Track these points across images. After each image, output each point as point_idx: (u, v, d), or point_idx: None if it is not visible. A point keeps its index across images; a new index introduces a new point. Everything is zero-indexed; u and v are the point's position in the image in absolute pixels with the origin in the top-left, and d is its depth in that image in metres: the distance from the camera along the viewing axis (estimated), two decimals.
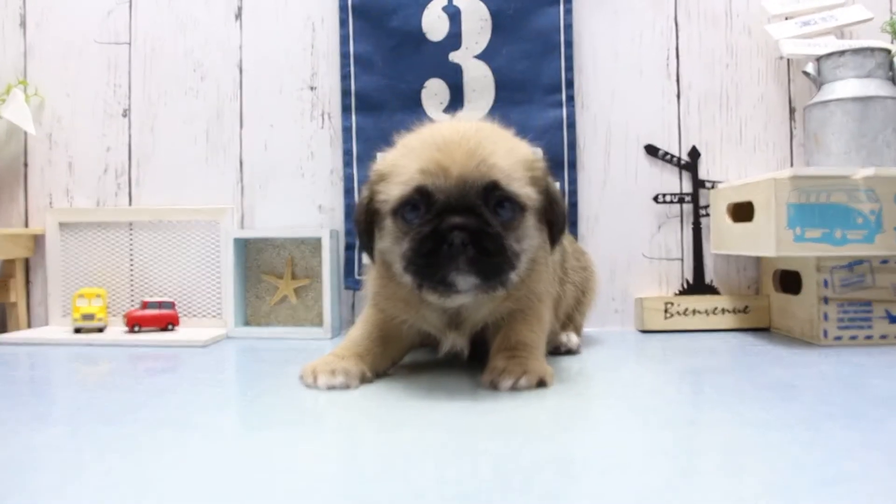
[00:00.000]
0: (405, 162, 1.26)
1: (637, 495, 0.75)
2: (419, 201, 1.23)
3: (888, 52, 1.87)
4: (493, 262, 1.22)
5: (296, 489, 0.77)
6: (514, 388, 1.26)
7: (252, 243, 2.16)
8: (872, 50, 1.86)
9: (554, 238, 1.37)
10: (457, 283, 1.22)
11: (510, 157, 1.27)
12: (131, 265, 2.18)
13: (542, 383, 1.29)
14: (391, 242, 1.30)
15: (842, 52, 1.88)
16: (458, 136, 1.26)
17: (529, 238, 1.30)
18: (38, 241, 2.22)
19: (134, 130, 2.22)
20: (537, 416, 1.11)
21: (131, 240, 2.18)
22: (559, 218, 1.35)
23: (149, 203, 2.21)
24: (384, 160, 1.33)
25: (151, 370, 1.55)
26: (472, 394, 1.26)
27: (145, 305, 2.02)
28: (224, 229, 2.12)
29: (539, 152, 2.07)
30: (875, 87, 1.84)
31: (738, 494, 0.75)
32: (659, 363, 1.62)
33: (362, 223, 1.36)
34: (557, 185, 1.43)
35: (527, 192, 1.26)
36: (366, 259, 1.53)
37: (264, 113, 2.20)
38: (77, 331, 2.00)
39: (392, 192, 1.26)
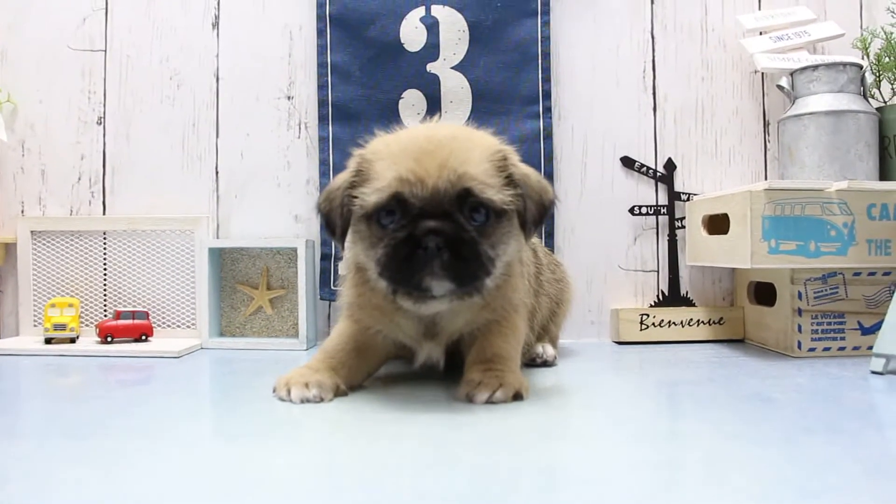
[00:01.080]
0: (381, 168, 1.26)
1: None
2: (395, 207, 1.23)
3: (860, 67, 1.90)
4: (468, 267, 1.22)
5: (270, 502, 0.76)
6: (490, 402, 1.26)
7: (227, 253, 2.14)
8: (845, 65, 1.88)
9: (526, 224, 1.32)
10: (432, 288, 1.22)
11: (483, 162, 1.26)
12: (105, 274, 2.15)
13: (518, 396, 1.28)
14: (366, 247, 1.30)
15: (815, 67, 1.90)
16: (432, 145, 1.25)
17: (504, 244, 1.29)
18: (9, 249, 2.19)
19: (109, 138, 2.20)
20: (516, 428, 1.10)
21: (105, 249, 2.15)
22: (529, 212, 1.31)
23: (123, 212, 2.18)
24: (362, 160, 1.30)
25: (124, 381, 1.53)
26: (448, 407, 1.25)
27: (118, 315, 2.00)
28: (199, 239, 2.10)
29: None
30: (847, 101, 1.86)
31: None
32: (636, 375, 1.62)
33: (338, 207, 1.32)
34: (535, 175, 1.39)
35: (501, 198, 1.25)
36: (342, 269, 1.52)
37: (241, 122, 2.19)
38: (48, 341, 1.97)
39: (368, 198, 1.25)
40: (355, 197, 1.28)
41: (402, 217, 1.23)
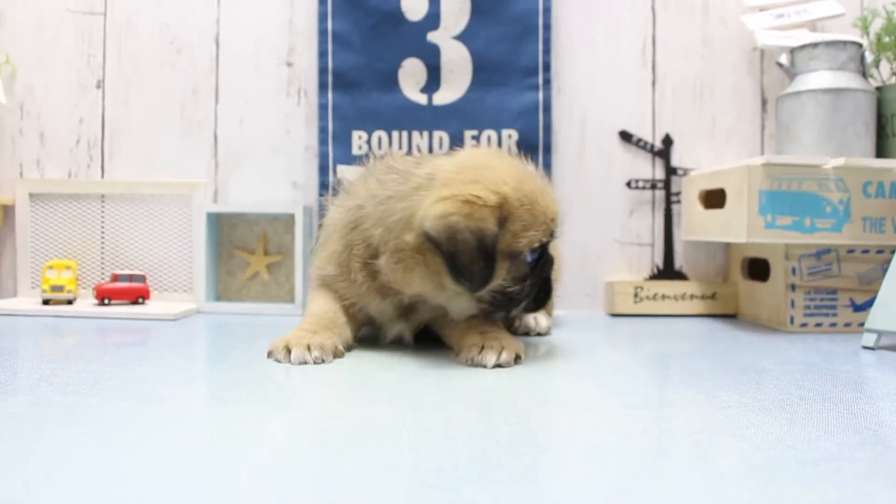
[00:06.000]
0: (532, 213, 1.29)
1: (618, 473, 0.75)
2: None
3: (860, 46, 1.90)
4: None
5: (265, 466, 0.76)
6: (497, 365, 1.28)
7: (225, 218, 2.15)
8: (845, 43, 1.89)
9: None
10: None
11: None
12: (102, 238, 2.16)
13: (518, 358, 1.32)
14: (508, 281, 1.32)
15: (815, 45, 1.90)
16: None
17: None
18: (7, 211, 2.19)
19: (108, 102, 2.19)
20: (512, 394, 1.11)
21: (103, 212, 2.16)
22: None
23: (121, 176, 2.18)
24: (500, 203, 1.26)
25: (119, 343, 1.54)
26: (444, 370, 1.27)
27: (116, 278, 2.00)
28: (197, 204, 2.10)
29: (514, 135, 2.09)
30: (847, 79, 1.87)
31: (718, 473, 0.75)
32: (630, 346, 1.64)
33: (489, 249, 1.24)
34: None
35: None
36: (322, 240, 1.52)
37: (240, 88, 2.18)
38: (45, 302, 1.97)
39: (528, 237, 1.29)
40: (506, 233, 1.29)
41: (541, 255, 1.36)
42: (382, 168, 1.43)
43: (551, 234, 1.35)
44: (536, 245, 1.31)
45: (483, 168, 1.30)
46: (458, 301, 1.35)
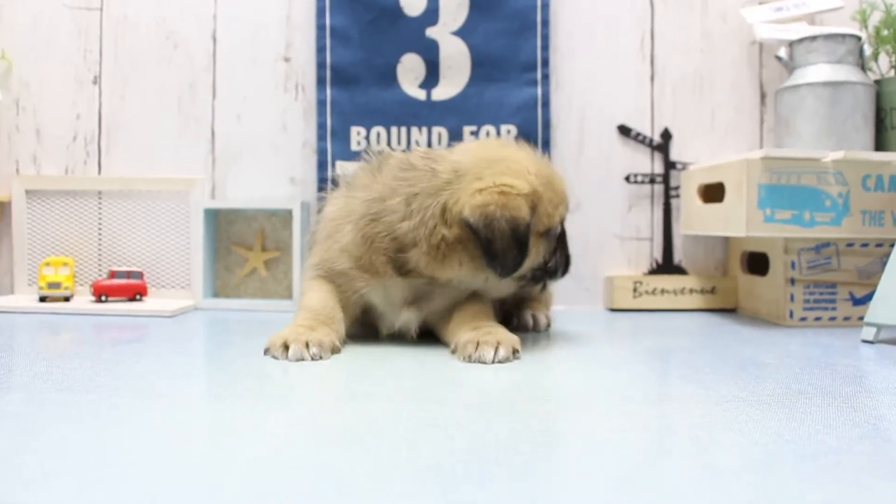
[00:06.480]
0: (555, 192, 1.42)
1: (616, 468, 0.75)
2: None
3: (859, 39, 1.90)
4: None
5: (261, 461, 0.75)
6: (496, 360, 1.27)
7: (223, 214, 2.14)
8: (844, 36, 1.88)
9: None
10: None
11: None
12: (100, 234, 2.15)
13: (516, 352, 1.31)
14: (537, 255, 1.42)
15: (814, 38, 1.90)
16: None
17: None
18: (3, 208, 2.18)
19: (105, 98, 2.19)
20: (510, 391, 1.11)
21: (100, 209, 2.15)
22: None
23: (118, 172, 2.18)
24: (532, 190, 1.36)
25: (116, 340, 1.53)
26: (441, 366, 1.26)
27: (113, 275, 2.00)
28: (194, 200, 2.10)
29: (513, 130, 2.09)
30: (845, 72, 1.86)
31: (717, 468, 0.75)
32: (629, 341, 1.63)
33: (522, 237, 1.32)
34: None
35: None
36: (326, 231, 1.51)
37: (238, 84, 2.17)
38: (42, 299, 1.97)
39: (558, 214, 1.42)
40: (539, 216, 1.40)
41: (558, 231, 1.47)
42: (396, 164, 1.43)
43: (568, 208, 1.48)
44: (564, 218, 1.47)
45: (506, 160, 1.38)
46: (496, 282, 1.42)
